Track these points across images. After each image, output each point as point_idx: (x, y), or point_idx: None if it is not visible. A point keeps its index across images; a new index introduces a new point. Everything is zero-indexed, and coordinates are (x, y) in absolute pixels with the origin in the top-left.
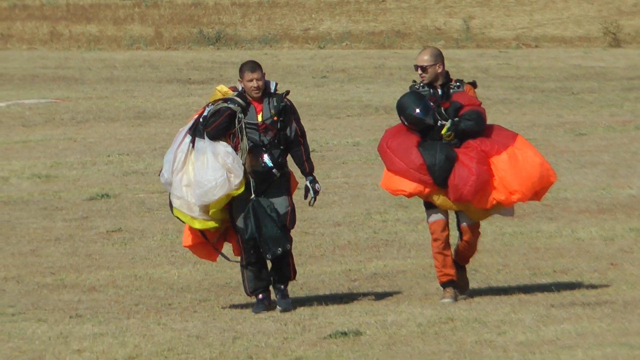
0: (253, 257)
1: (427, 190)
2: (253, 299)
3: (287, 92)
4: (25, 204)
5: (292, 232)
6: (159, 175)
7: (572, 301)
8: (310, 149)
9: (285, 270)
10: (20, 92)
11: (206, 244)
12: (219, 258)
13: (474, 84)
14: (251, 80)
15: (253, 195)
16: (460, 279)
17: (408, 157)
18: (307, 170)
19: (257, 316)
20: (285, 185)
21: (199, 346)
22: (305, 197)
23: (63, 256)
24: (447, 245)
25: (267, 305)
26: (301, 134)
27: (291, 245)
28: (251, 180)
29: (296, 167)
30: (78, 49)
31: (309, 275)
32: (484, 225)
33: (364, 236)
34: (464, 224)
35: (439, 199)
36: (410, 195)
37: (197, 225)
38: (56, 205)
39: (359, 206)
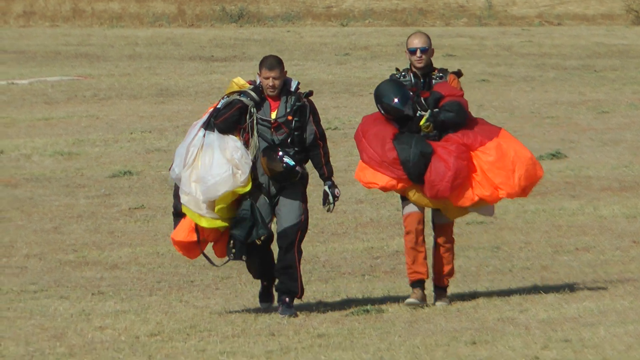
0: (245, 251)
1: (400, 185)
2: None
3: (310, 93)
4: (47, 181)
5: (311, 212)
6: (169, 170)
7: (594, 279)
8: (333, 127)
9: (292, 285)
10: (42, 69)
11: (191, 244)
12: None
13: (458, 73)
14: (267, 78)
15: (252, 200)
16: (439, 297)
17: (382, 149)
18: (326, 174)
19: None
20: (301, 190)
21: (221, 323)
22: (324, 203)
23: (85, 233)
24: (419, 240)
25: (271, 294)
26: (320, 136)
27: (300, 258)
28: (265, 180)
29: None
30: (100, 26)
31: (331, 253)
32: (505, 203)
33: (386, 214)
34: (437, 222)
35: (414, 196)
36: (383, 189)
37: (204, 223)
38: (78, 183)
39: None
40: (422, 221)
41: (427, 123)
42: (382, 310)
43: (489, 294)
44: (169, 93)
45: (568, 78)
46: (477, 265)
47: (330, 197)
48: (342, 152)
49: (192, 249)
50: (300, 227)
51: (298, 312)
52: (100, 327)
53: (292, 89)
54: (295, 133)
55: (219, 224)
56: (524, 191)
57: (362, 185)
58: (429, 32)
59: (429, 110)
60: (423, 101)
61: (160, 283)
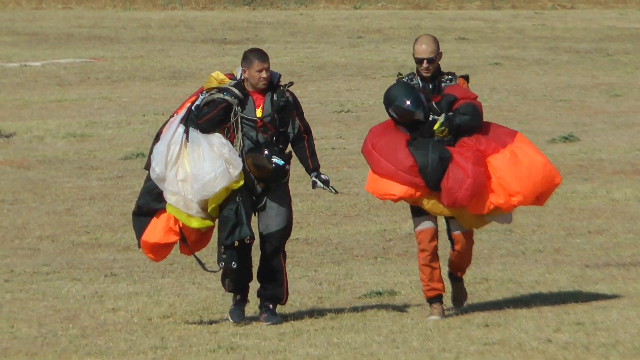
0: (236, 258)
1: (418, 193)
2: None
3: (290, 84)
4: (60, 163)
5: (322, 195)
6: (148, 169)
7: (606, 262)
8: (346, 110)
9: (278, 290)
10: (55, 52)
11: (166, 245)
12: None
13: (466, 78)
14: (261, 71)
15: (239, 198)
16: (457, 291)
17: (396, 158)
18: (311, 167)
19: (232, 322)
20: (287, 191)
21: None
22: (314, 187)
23: (98, 215)
24: (435, 257)
25: (243, 311)
26: (305, 129)
27: (285, 261)
28: (251, 180)
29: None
30: (113, 8)
31: (343, 235)
32: None
33: None
34: (455, 232)
35: (428, 204)
36: (399, 199)
37: (195, 224)
38: (91, 165)
39: None
40: (436, 236)
41: (442, 128)
42: (394, 293)
43: (501, 277)
44: (181, 75)
45: (581, 61)
46: (490, 248)
47: (320, 184)
48: (354, 134)
49: (163, 250)
50: (287, 231)
51: (287, 321)
52: (113, 309)
53: (276, 82)
54: (281, 130)
55: (209, 223)
56: (539, 199)
57: (375, 197)
58: (441, 15)
59: (443, 114)
60: (435, 105)
61: (173, 265)
